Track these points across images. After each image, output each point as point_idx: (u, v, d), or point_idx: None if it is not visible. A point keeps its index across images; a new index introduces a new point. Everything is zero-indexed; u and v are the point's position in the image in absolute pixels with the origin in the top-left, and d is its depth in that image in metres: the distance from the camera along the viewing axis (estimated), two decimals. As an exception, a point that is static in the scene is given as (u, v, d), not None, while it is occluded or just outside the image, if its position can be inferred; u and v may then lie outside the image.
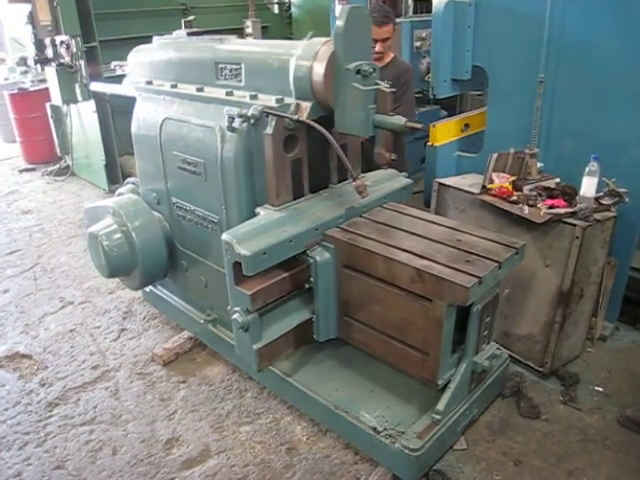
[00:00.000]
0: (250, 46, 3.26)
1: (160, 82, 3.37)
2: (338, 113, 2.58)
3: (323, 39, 2.65)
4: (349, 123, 2.55)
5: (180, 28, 3.65)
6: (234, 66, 2.97)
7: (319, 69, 2.55)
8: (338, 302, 2.84)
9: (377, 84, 2.53)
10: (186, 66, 3.28)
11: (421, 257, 2.47)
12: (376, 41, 3.75)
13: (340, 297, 2.82)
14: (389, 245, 2.59)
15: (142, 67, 3.60)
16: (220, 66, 3.04)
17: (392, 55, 4.06)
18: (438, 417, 2.63)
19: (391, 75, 3.81)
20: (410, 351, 2.61)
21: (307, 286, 2.80)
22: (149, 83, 3.40)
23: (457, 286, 2.28)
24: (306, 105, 2.65)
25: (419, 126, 2.55)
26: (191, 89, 3.09)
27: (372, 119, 2.53)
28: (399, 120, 2.53)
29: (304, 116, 2.61)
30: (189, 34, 3.56)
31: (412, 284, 2.44)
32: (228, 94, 2.88)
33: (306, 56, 2.61)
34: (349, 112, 2.52)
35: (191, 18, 3.78)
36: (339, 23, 2.42)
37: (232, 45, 3.16)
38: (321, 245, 2.75)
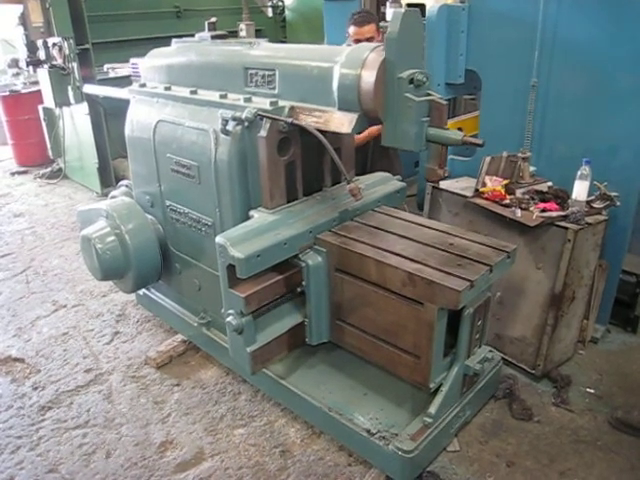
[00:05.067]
0: (285, 51, 2.98)
1: (180, 88, 3.19)
2: (388, 126, 2.39)
3: (369, 45, 2.47)
4: (400, 136, 2.36)
5: (203, 30, 3.38)
6: (267, 72, 2.78)
7: (368, 78, 2.33)
8: (330, 306, 2.83)
9: (430, 94, 2.33)
10: (209, 71, 3.10)
11: (413, 261, 2.47)
12: (359, 41, 3.67)
13: (332, 301, 2.81)
14: (381, 249, 2.58)
15: (158, 71, 3.42)
16: (250, 72, 2.86)
17: None
18: (430, 420, 2.63)
19: None
20: (402, 354, 2.61)
21: (299, 290, 2.79)
22: (167, 89, 3.23)
23: (448, 290, 2.27)
24: (352, 117, 2.43)
25: (479, 142, 2.36)
26: (214, 95, 2.92)
27: (425, 132, 2.34)
28: (456, 135, 2.34)
29: (351, 129, 2.42)
30: (213, 37, 3.28)
31: (404, 287, 2.43)
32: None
33: (352, 64, 2.39)
34: (400, 125, 2.34)
35: (214, 20, 3.41)
36: (392, 29, 2.22)
37: (264, 50, 2.96)
38: (313, 249, 2.74)
